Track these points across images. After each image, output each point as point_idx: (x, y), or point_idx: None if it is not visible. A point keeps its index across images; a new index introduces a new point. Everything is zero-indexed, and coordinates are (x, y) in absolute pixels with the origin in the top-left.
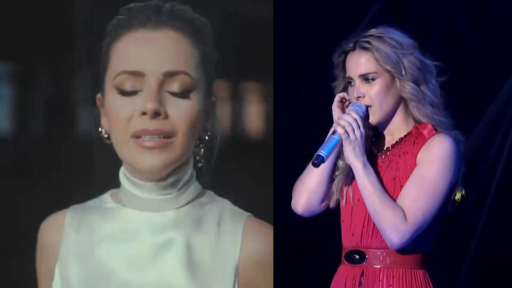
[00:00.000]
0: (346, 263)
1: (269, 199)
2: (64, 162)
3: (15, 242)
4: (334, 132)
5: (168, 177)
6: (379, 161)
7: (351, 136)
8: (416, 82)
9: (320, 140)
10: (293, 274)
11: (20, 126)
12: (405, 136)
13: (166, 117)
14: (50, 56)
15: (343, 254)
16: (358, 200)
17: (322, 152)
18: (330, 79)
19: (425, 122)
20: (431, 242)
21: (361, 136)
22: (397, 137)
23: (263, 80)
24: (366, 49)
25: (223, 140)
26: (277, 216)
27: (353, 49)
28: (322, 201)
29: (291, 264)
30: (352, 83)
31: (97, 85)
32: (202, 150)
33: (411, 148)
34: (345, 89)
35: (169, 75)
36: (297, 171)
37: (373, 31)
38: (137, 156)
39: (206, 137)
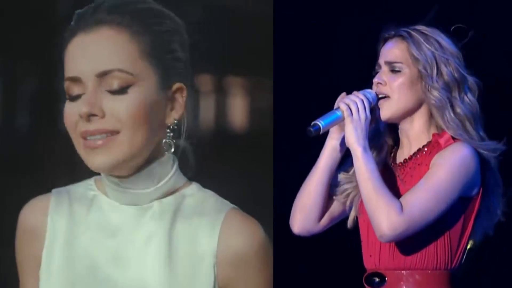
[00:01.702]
0: (367, 287)
1: (268, 195)
2: (47, 156)
3: None
4: (337, 109)
5: (141, 169)
6: (396, 175)
7: (355, 115)
8: (448, 90)
9: (320, 141)
10: (293, 274)
11: (3, 121)
12: (423, 146)
13: (104, 116)
14: (32, 50)
15: (364, 276)
16: None
17: (320, 121)
18: (330, 74)
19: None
20: (452, 258)
21: (366, 119)
22: (415, 147)
23: (263, 76)
24: (403, 38)
25: (223, 137)
26: (277, 217)
27: (392, 36)
28: (318, 220)
29: (291, 264)
30: (377, 69)
31: None
32: (171, 139)
33: (426, 159)
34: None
35: (102, 75)
36: (297, 170)
37: (421, 27)
38: (86, 157)
39: (172, 126)
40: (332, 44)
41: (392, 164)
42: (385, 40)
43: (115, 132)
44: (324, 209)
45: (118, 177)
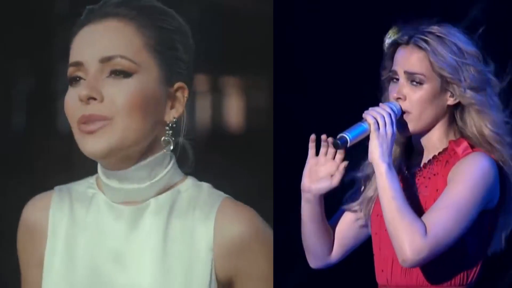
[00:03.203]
0: None
1: (268, 195)
2: (44, 156)
3: None
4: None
5: (136, 163)
6: (409, 185)
7: (381, 130)
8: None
9: (319, 133)
10: (293, 272)
11: (0, 120)
12: (439, 153)
13: (102, 100)
14: (29, 50)
15: None
16: (385, 230)
17: (347, 134)
18: (329, 75)
19: (480, 136)
20: (468, 274)
21: (392, 135)
22: (431, 154)
23: (263, 76)
24: (421, 47)
25: (222, 137)
26: (277, 216)
27: (407, 43)
28: (327, 254)
29: (291, 264)
30: (395, 80)
31: None
32: (170, 137)
33: (442, 169)
34: (388, 83)
35: (106, 60)
36: (297, 170)
37: (434, 28)
38: (82, 142)
39: (171, 124)
40: (332, 44)
41: (406, 171)
42: (396, 45)
43: (109, 118)
44: (329, 245)
45: (114, 170)
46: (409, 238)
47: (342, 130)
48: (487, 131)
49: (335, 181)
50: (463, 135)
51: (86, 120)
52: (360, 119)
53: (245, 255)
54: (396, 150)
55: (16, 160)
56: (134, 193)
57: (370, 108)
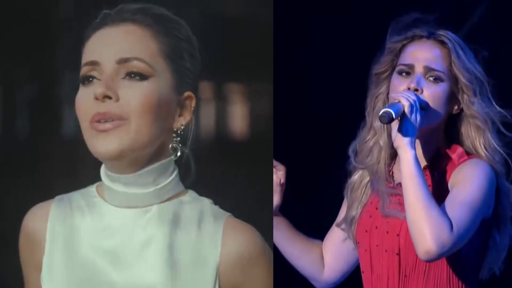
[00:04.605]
0: None
1: (268, 200)
2: (47, 162)
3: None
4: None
5: (142, 168)
6: (399, 193)
7: (414, 115)
8: (489, 107)
9: (319, 138)
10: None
11: (3, 126)
12: (431, 161)
13: (118, 100)
14: (32, 55)
15: None
16: (377, 245)
17: (391, 109)
18: (327, 77)
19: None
20: (474, 280)
21: (418, 123)
22: (422, 163)
23: (263, 82)
24: (443, 44)
25: (222, 143)
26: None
27: (427, 37)
28: (319, 275)
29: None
30: (404, 74)
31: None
32: (178, 144)
33: (439, 176)
34: (388, 77)
35: (122, 62)
36: (297, 176)
37: (449, 33)
38: (93, 141)
39: (179, 131)
40: (332, 49)
41: (393, 182)
42: (409, 39)
43: (124, 117)
44: (315, 264)
45: (119, 174)
46: (436, 231)
47: (342, 134)
48: (480, 150)
49: (276, 199)
50: (450, 144)
51: (101, 117)
52: (358, 124)
53: (248, 272)
54: (385, 156)
55: (19, 164)
56: (137, 198)
57: (400, 91)
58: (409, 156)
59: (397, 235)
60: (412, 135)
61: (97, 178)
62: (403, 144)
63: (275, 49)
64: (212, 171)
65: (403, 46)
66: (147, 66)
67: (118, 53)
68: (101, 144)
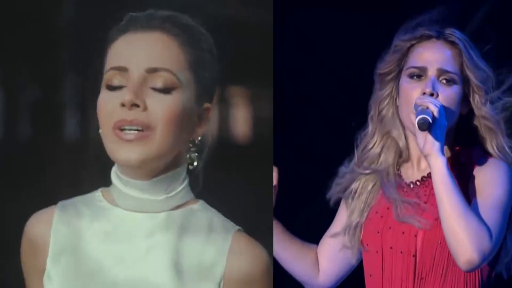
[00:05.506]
0: None
1: (269, 204)
2: (51, 165)
3: (2, 243)
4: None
5: (157, 176)
6: (413, 195)
7: (442, 120)
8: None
9: (319, 142)
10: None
11: (6, 129)
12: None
13: (145, 109)
14: (36, 58)
15: None
16: (391, 247)
17: (426, 116)
18: (328, 82)
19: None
20: (489, 282)
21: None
22: (423, 168)
23: (263, 86)
24: (453, 44)
25: (223, 147)
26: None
27: (437, 37)
28: (315, 279)
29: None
30: (415, 78)
31: (83, 88)
32: (195, 153)
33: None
34: (394, 79)
35: (152, 71)
36: (297, 179)
37: (457, 32)
38: (116, 149)
39: (197, 141)
40: (332, 53)
41: (403, 183)
42: (418, 39)
43: (150, 128)
44: (309, 269)
45: (134, 179)
46: (477, 240)
47: (342, 138)
48: (492, 151)
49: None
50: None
51: (127, 124)
52: (355, 130)
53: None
54: (394, 162)
55: (22, 169)
56: (149, 204)
57: (422, 97)
58: (441, 164)
59: (415, 235)
60: (441, 141)
61: (101, 183)
62: (434, 151)
63: (275, 52)
64: (212, 174)
65: (411, 46)
66: (175, 78)
67: (147, 62)
68: (123, 151)
